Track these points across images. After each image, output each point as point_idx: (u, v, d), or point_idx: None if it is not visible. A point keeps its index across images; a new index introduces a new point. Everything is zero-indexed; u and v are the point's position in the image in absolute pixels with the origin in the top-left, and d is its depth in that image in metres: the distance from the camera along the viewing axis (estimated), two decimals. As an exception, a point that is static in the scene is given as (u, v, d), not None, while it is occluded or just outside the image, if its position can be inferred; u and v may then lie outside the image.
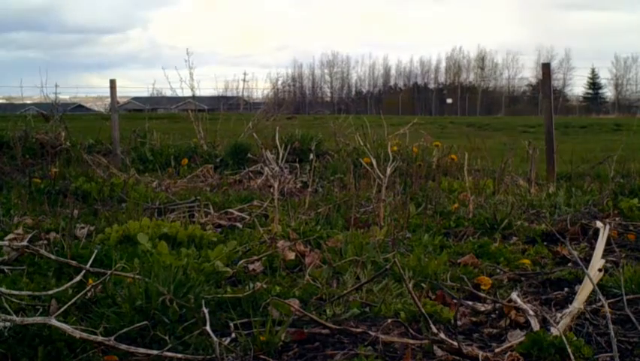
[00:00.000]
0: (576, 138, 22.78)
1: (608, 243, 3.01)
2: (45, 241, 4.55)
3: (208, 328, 2.73)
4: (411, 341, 2.90)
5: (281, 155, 5.63)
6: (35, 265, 3.92)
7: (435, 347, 2.83)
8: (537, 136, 18.27)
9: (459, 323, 3.22)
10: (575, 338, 2.78)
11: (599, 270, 2.93)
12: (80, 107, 62.25)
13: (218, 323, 3.09)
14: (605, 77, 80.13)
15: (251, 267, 4.06)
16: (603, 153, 8.56)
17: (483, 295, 3.60)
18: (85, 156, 9.70)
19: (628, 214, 5.88)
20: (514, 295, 3.35)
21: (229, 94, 78.17)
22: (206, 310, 2.85)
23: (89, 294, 3.22)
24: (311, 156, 7.71)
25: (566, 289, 3.89)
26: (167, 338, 2.86)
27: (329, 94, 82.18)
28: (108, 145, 11.24)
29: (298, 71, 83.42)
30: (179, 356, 2.69)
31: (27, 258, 4.04)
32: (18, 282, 3.57)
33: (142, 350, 2.70)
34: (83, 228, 4.94)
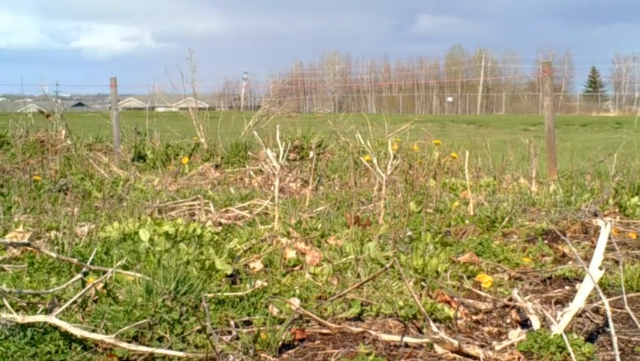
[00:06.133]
0: (577, 136, 22.78)
1: (608, 241, 3.01)
2: (46, 239, 4.55)
3: (209, 325, 2.73)
4: (411, 340, 2.90)
5: (281, 153, 5.62)
6: (36, 263, 3.92)
7: (435, 346, 2.83)
8: (538, 134, 18.27)
9: (459, 321, 3.22)
10: (575, 337, 2.78)
11: (600, 268, 2.93)
12: (80, 104, 62.32)
13: (219, 321, 3.10)
14: (605, 75, 79.99)
15: (251, 265, 4.06)
16: (604, 151, 8.54)
17: (484, 293, 3.60)
18: (85, 154, 9.70)
19: (629, 212, 5.88)
20: (514, 294, 3.35)
21: (229, 92, 78.23)
22: (207, 308, 2.85)
23: (89, 292, 3.23)
24: (311, 154, 7.71)
25: (566, 287, 3.90)
26: (167, 336, 2.86)
27: (329, 92, 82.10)
28: (109, 143, 11.24)
29: (299, 69, 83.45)
30: (180, 354, 2.69)
31: (28, 256, 4.05)
32: (19, 280, 3.57)
33: (142, 348, 2.70)
34: (84, 226, 4.94)
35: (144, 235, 4.31)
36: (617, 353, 2.49)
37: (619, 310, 3.39)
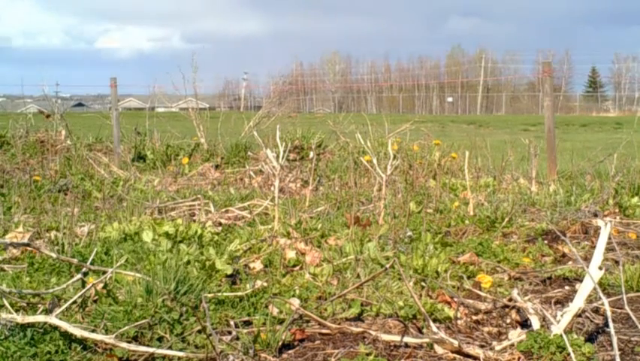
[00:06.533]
0: (577, 136, 22.78)
1: (608, 241, 3.01)
2: (46, 240, 4.55)
3: (209, 325, 2.73)
4: (411, 340, 2.90)
5: (281, 153, 5.62)
6: (36, 263, 3.92)
7: (435, 346, 2.83)
8: (538, 134, 18.27)
9: (459, 321, 3.22)
10: (575, 337, 2.78)
11: (600, 268, 2.93)
12: (80, 104, 62.37)
13: (219, 321, 3.10)
14: (605, 75, 79.98)
15: (251, 265, 4.06)
16: (604, 151, 8.54)
17: (484, 293, 3.60)
18: (85, 154, 9.71)
19: (629, 213, 5.88)
20: (514, 294, 3.35)
21: (229, 92, 78.30)
22: (207, 308, 2.85)
23: (89, 292, 3.23)
24: (311, 154, 7.72)
25: (566, 287, 3.90)
26: (167, 336, 2.86)
27: (330, 92, 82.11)
28: (109, 143, 11.24)
29: (299, 69, 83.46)
30: (180, 354, 2.69)
31: (28, 256, 4.05)
32: (19, 280, 3.57)
33: (142, 348, 2.70)
34: (84, 226, 4.94)
35: (146, 235, 4.31)
36: (616, 353, 2.49)
37: (619, 311, 3.39)
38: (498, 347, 2.82)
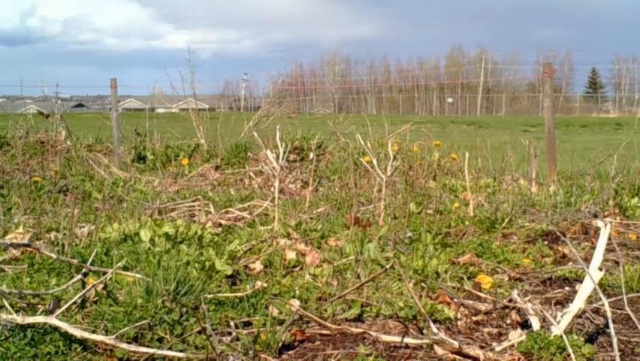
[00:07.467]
0: (577, 137, 22.78)
1: (608, 242, 3.01)
2: (46, 240, 4.55)
3: (209, 326, 2.73)
4: (411, 341, 2.90)
5: (281, 154, 5.63)
6: (36, 264, 3.92)
7: (435, 347, 2.83)
8: (538, 135, 18.28)
9: (460, 322, 3.22)
10: (575, 338, 2.78)
11: (600, 269, 2.93)
12: (80, 105, 62.41)
13: (219, 322, 3.10)
14: (605, 76, 79.90)
15: (251, 266, 4.06)
16: (604, 152, 8.53)
17: (484, 294, 3.60)
18: (85, 155, 9.71)
19: (629, 213, 5.88)
20: (514, 295, 3.35)
21: (229, 93, 78.38)
22: (206, 309, 2.86)
23: (89, 293, 3.23)
24: (311, 155, 7.72)
25: (566, 288, 3.90)
26: (167, 337, 2.86)
27: (329, 93, 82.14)
28: (109, 144, 11.25)
29: (299, 70, 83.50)
30: (180, 355, 2.69)
31: (28, 257, 4.05)
32: (19, 281, 3.57)
33: (143, 349, 2.71)
34: (84, 227, 4.94)
35: (145, 235, 4.31)
36: (617, 353, 2.49)
37: (619, 311, 3.39)
38: (498, 348, 2.82)
